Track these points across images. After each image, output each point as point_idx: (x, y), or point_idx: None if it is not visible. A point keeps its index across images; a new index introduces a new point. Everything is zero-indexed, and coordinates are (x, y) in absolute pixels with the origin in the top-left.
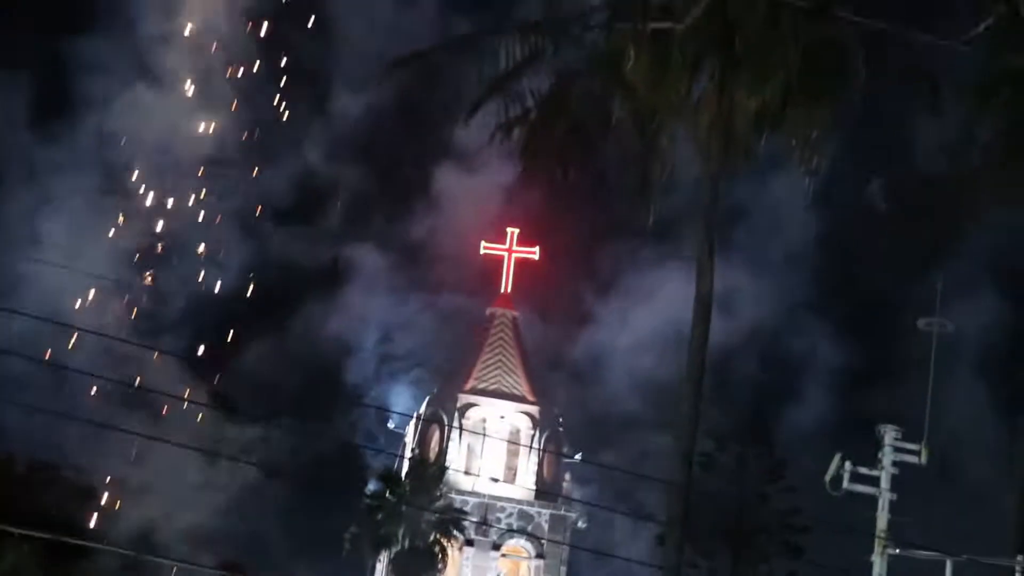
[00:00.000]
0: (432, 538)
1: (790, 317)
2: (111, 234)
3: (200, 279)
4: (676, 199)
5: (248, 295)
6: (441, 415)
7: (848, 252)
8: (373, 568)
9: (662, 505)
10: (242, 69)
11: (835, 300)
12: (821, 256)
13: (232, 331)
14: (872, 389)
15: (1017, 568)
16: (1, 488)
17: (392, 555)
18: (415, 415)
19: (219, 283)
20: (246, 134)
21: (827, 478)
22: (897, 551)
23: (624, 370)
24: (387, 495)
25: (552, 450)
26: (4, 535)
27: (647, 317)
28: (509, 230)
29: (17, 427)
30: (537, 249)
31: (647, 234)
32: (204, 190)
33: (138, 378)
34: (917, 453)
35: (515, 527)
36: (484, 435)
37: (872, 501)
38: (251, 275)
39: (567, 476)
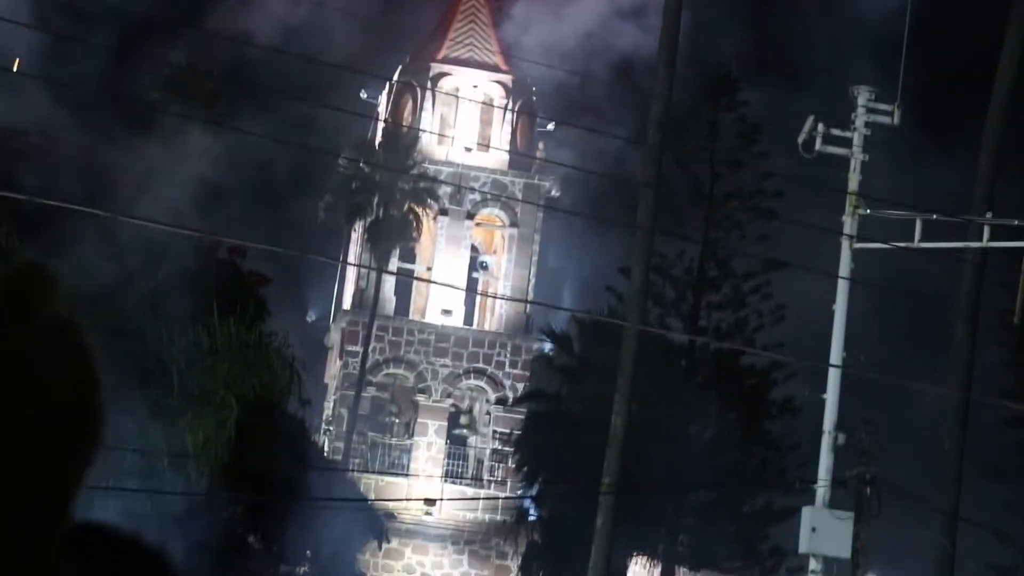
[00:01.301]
0: (406, 207)
1: None
2: None
3: None
4: None
5: None
6: (414, 84)
7: None
8: (348, 237)
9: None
10: None
11: None
12: None
13: None
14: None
15: (985, 226)
16: None
17: (367, 224)
18: (388, 84)
19: None
20: None
21: (800, 140)
22: (868, 211)
23: (603, 45)
24: (361, 164)
25: (527, 116)
26: None
27: None
28: None
29: None
30: None
31: None
32: None
33: None
34: (890, 114)
35: (489, 196)
36: (457, 98)
37: (845, 163)
38: None
39: (540, 145)
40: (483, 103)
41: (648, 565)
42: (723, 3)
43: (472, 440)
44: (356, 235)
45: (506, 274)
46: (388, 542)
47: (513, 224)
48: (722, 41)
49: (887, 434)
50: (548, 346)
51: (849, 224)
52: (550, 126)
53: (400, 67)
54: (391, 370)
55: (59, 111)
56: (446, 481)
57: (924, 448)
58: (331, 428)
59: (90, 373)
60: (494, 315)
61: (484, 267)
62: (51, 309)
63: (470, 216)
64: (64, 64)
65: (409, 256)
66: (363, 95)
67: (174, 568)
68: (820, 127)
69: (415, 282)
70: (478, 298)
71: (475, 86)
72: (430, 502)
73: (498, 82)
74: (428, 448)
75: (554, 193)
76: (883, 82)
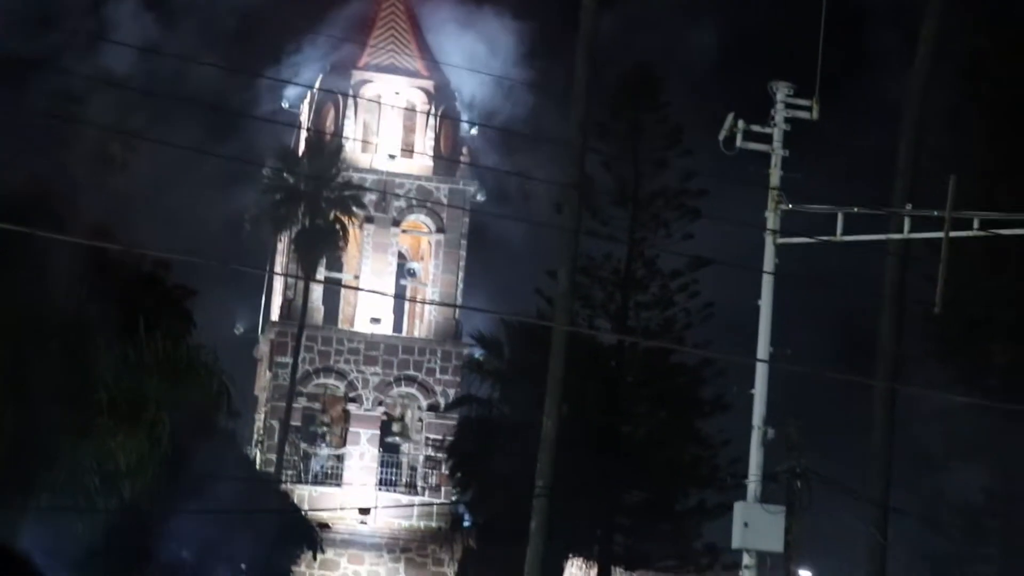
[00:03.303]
0: (331, 216)
1: None
2: None
3: None
4: None
5: None
6: (335, 93)
7: None
8: (274, 248)
9: (559, 173)
10: None
11: None
12: None
13: None
14: (764, 50)
15: (906, 218)
16: None
17: (292, 234)
18: (309, 93)
19: None
20: None
21: (720, 137)
22: (790, 206)
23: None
24: (284, 175)
25: (449, 121)
26: None
27: None
28: None
29: None
30: None
31: None
32: None
33: None
34: (809, 108)
35: (414, 202)
36: (380, 104)
37: (767, 159)
38: None
39: (464, 150)
40: (405, 109)
41: (584, 566)
42: (641, 3)
43: (405, 447)
44: (282, 245)
45: (434, 280)
46: (323, 552)
47: (440, 230)
48: (640, 41)
49: (817, 427)
50: (478, 351)
51: (772, 219)
52: (473, 130)
53: (321, 75)
54: (321, 380)
55: None
56: (380, 489)
57: (854, 440)
58: (263, 440)
59: None
60: (423, 322)
61: (412, 274)
62: None
63: (396, 223)
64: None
65: (336, 265)
66: (284, 104)
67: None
68: (740, 124)
69: (343, 291)
70: (407, 305)
71: (397, 92)
72: (364, 511)
73: (420, 88)
74: (361, 457)
75: (479, 198)
76: (802, 77)
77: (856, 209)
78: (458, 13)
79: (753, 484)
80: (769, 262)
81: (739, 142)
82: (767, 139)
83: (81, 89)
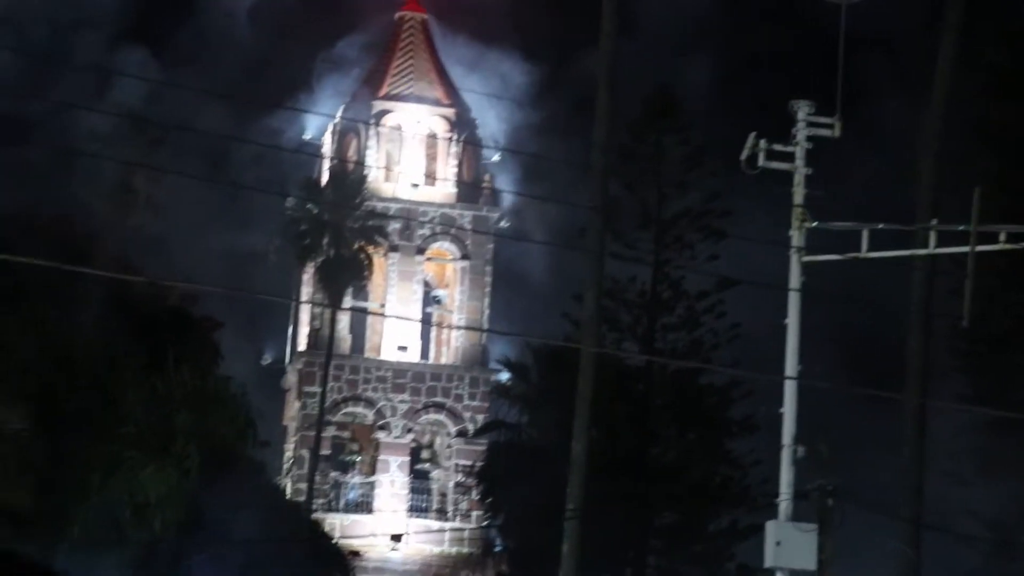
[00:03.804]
0: (356, 246)
1: None
2: None
3: None
4: None
5: None
6: (357, 123)
7: None
8: (300, 278)
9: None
10: None
11: None
12: None
13: None
14: (786, 68)
15: (931, 233)
16: None
17: (318, 264)
18: (331, 124)
19: None
20: None
21: (742, 157)
22: (815, 224)
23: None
24: (307, 205)
25: (472, 146)
26: None
27: None
28: None
29: None
30: None
31: None
32: None
33: None
34: (831, 127)
35: (438, 230)
36: (402, 133)
37: (789, 178)
38: None
39: (487, 177)
40: (427, 137)
41: None
42: (659, 27)
43: (435, 474)
44: (307, 276)
45: (460, 307)
46: None
47: (464, 256)
48: (662, 64)
49: (847, 445)
50: (505, 376)
51: (797, 237)
52: (496, 156)
53: (342, 105)
54: (350, 408)
55: None
56: (411, 516)
57: (884, 457)
58: (293, 469)
59: None
60: (450, 348)
61: (437, 301)
62: None
63: (420, 251)
64: None
65: (362, 294)
66: (306, 135)
67: None
68: (762, 143)
69: (370, 320)
70: (433, 332)
71: (419, 121)
72: (396, 538)
73: (441, 116)
74: (391, 484)
75: (504, 224)
76: (823, 95)
77: (881, 225)
78: (475, 42)
79: (784, 503)
80: (795, 280)
81: (761, 161)
82: (789, 158)
83: (103, 126)
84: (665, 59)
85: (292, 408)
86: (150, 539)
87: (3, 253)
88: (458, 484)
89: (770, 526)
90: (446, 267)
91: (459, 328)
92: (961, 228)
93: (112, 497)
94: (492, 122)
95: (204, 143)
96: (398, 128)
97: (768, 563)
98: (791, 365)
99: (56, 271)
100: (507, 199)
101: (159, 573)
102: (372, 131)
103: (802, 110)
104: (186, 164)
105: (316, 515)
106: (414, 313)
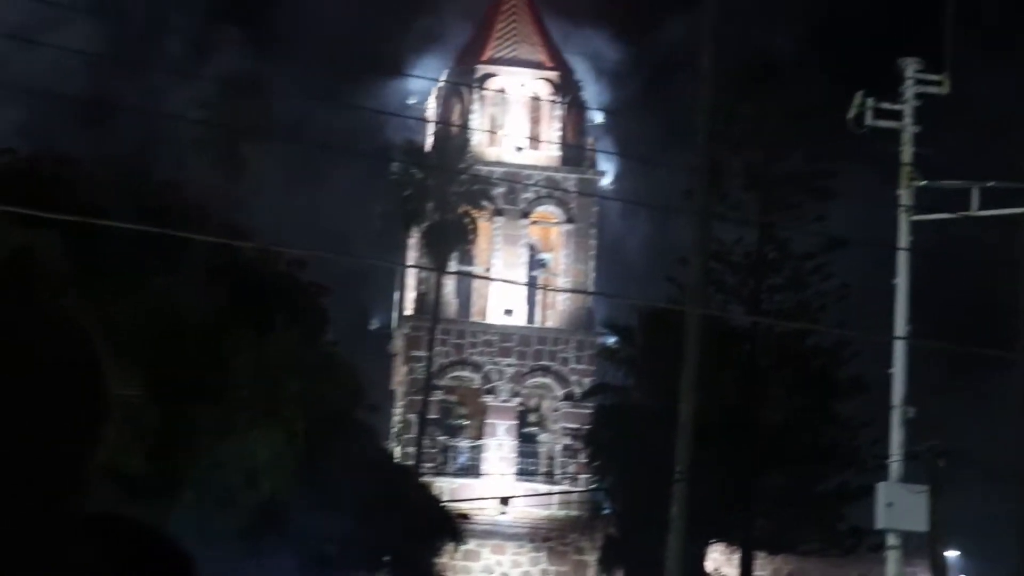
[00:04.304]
0: (461, 210)
1: None
2: None
3: None
4: None
5: None
6: (460, 88)
7: None
8: (405, 244)
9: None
10: None
11: None
12: None
13: None
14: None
15: None
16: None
17: (423, 229)
18: (435, 89)
19: None
20: None
21: (849, 116)
22: (924, 182)
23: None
24: (412, 171)
25: (575, 110)
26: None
27: None
28: None
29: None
30: None
31: None
32: None
33: None
34: (939, 83)
35: (542, 194)
36: (505, 97)
37: (897, 136)
38: None
39: (591, 139)
40: (531, 100)
41: (726, 551)
42: None
43: (542, 437)
44: (413, 241)
45: (565, 270)
46: (465, 543)
47: (569, 220)
48: (765, 22)
49: (958, 405)
50: (611, 339)
51: (905, 196)
52: (600, 119)
53: (446, 70)
54: (457, 373)
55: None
56: (519, 480)
57: (996, 417)
58: (401, 433)
59: (89, 355)
60: (556, 312)
61: (542, 264)
62: (49, 294)
63: (525, 215)
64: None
65: (467, 258)
66: (410, 100)
67: (193, 562)
68: (869, 101)
69: (475, 284)
70: (539, 296)
71: (522, 84)
72: (504, 501)
73: (545, 79)
74: (499, 448)
75: (607, 185)
76: (930, 52)
77: (992, 183)
78: (568, 12)
79: (895, 464)
80: (904, 239)
81: (868, 120)
82: (897, 116)
83: (210, 92)
84: (763, 17)
85: (400, 372)
86: (260, 502)
87: (113, 220)
88: (565, 447)
89: (880, 488)
90: (551, 230)
91: (564, 291)
92: None
93: (222, 461)
94: (592, 87)
95: (309, 110)
96: (502, 92)
97: (879, 525)
98: (900, 325)
99: (166, 238)
100: (610, 162)
101: (269, 536)
102: (476, 95)
103: (910, 67)
104: (292, 131)
105: (425, 479)
106: (519, 277)
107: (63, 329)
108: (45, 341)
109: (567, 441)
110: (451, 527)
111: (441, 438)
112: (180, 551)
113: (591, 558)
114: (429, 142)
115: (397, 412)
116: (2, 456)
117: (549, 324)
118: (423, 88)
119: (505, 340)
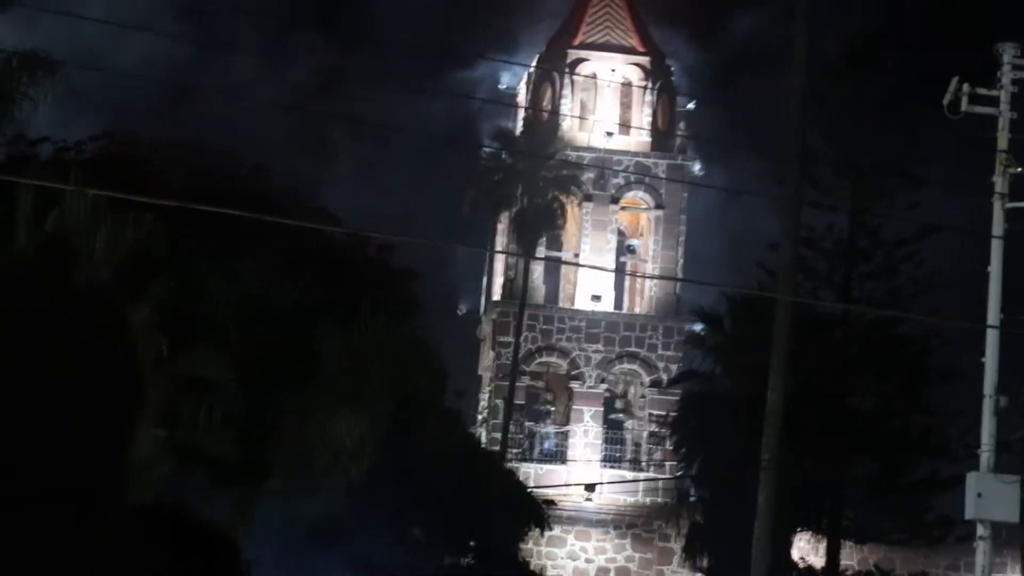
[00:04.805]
0: (550, 195)
1: None
2: None
3: None
4: None
5: None
6: (552, 73)
7: None
8: (494, 229)
9: (780, 144)
10: None
11: None
12: None
13: None
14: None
15: None
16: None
17: (512, 214)
18: (526, 74)
19: None
20: None
21: (945, 102)
22: (1020, 169)
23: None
24: (502, 156)
25: (667, 96)
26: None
27: None
28: None
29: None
30: None
31: None
32: None
33: None
34: None
35: (632, 180)
36: (596, 82)
37: (992, 122)
38: None
39: (682, 125)
40: (622, 85)
41: (813, 540)
42: None
43: (628, 424)
44: (502, 226)
45: (654, 256)
46: (550, 529)
47: (659, 206)
48: (859, 6)
49: None
50: (699, 326)
51: (1000, 183)
52: (691, 105)
53: (538, 55)
54: (544, 358)
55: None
56: (605, 466)
57: None
58: (488, 419)
59: (124, 337)
60: (644, 298)
61: (631, 250)
62: (84, 276)
63: (615, 200)
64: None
65: (556, 244)
66: (501, 85)
67: (240, 551)
68: (965, 87)
69: (564, 270)
70: (627, 282)
71: (613, 70)
72: (590, 487)
73: (636, 64)
74: (585, 434)
75: (698, 172)
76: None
77: None
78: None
79: (986, 454)
80: (998, 226)
81: (964, 106)
82: (993, 102)
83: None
84: (857, 1)
85: (487, 358)
86: (345, 486)
87: (205, 205)
88: (652, 434)
89: (971, 477)
90: (640, 216)
91: (653, 277)
92: None
93: (309, 446)
94: (689, 64)
95: (400, 97)
96: (593, 77)
97: (969, 515)
98: (993, 313)
99: (257, 223)
100: (700, 148)
101: (355, 520)
102: (567, 80)
103: (1007, 53)
104: (383, 117)
105: (510, 464)
106: (608, 263)
107: (103, 324)
108: (84, 336)
109: (653, 428)
110: (536, 513)
111: (527, 424)
112: (226, 539)
113: (676, 545)
114: (520, 127)
115: (484, 397)
116: (40, 450)
117: (637, 310)
118: (515, 73)
119: (592, 326)
